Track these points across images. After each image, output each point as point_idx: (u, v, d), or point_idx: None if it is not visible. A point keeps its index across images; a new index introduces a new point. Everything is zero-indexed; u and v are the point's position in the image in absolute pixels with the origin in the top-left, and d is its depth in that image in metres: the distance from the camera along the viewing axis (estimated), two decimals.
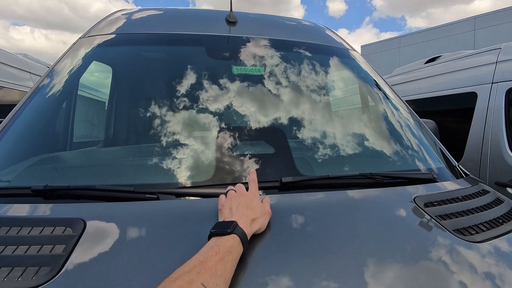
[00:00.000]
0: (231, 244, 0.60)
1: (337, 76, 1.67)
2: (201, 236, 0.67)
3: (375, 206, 0.86)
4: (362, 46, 22.23)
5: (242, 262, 0.62)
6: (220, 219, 0.72)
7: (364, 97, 1.59)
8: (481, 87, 2.60)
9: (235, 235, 0.62)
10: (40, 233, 0.66)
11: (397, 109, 1.44)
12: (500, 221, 0.85)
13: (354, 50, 1.77)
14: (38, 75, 3.70)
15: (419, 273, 0.64)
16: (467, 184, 1.07)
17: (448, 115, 3.01)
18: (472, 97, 2.65)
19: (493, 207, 0.92)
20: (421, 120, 1.45)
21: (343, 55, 1.64)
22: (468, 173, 1.19)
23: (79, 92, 1.43)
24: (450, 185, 1.03)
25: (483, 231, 0.79)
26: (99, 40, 1.43)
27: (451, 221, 0.81)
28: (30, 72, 3.50)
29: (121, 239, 0.68)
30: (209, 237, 0.64)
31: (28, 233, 0.66)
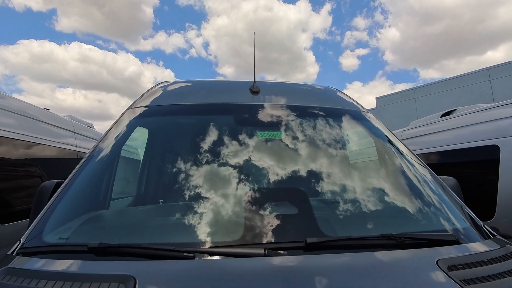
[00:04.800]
0: None
1: (353, 137, 1.78)
2: None
3: (398, 269, 0.87)
4: (377, 98, 22.78)
5: None
6: None
7: (381, 157, 1.66)
8: (503, 140, 2.60)
9: None
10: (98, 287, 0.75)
11: (415, 168, 1.48)
12: None
13: (366, 110, 1.91)
14: (81, 134, 4.14)
15: None
16: (494, 246, 1.05)
17: (469, 167, 2.96)
18: (494, 149, 2.64)
19: None
20: (441, 177, 1.47)
21: (356, 116, 1.77)
22: (495, 234, 1.16)
23: (127, 155, 1.63)
24: (475, 247, 1.02)
25: None
26: (141, 110, 1.68)
27: (476, 286, 0.80)
28: (74, 132, 3.93)
29: None
30: None
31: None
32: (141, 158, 2.06)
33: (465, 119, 3.21)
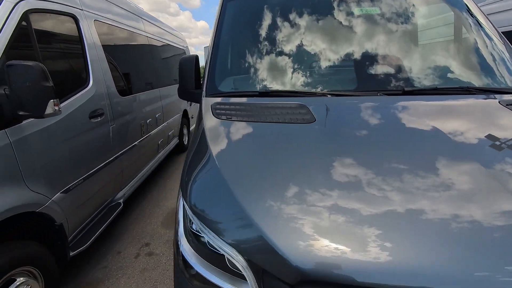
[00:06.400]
0: None
1: (447, 8, 1.94)
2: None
3: (467, 104, 1.34)
4: None
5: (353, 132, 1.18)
6: None
7: (464, 27, 1.88)
8: None
9: None
10: (288, 107, 1.38)
11: (493, 37, 1.75)
12: None
13: None
14: (146, 20, 4.35)
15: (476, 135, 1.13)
16: None
17: None
18: None
19: None
20: None
21: None
22: None
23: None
24: None
25: None
26: None
27: None
28: (141, 18, 4.17)
29: (321, 109, 1.36)
30: None
31: (285, 107, 1.37)
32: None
33: None
